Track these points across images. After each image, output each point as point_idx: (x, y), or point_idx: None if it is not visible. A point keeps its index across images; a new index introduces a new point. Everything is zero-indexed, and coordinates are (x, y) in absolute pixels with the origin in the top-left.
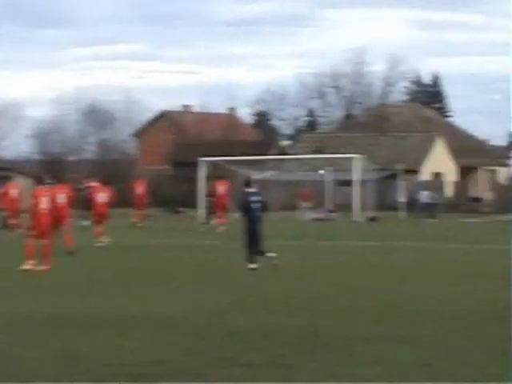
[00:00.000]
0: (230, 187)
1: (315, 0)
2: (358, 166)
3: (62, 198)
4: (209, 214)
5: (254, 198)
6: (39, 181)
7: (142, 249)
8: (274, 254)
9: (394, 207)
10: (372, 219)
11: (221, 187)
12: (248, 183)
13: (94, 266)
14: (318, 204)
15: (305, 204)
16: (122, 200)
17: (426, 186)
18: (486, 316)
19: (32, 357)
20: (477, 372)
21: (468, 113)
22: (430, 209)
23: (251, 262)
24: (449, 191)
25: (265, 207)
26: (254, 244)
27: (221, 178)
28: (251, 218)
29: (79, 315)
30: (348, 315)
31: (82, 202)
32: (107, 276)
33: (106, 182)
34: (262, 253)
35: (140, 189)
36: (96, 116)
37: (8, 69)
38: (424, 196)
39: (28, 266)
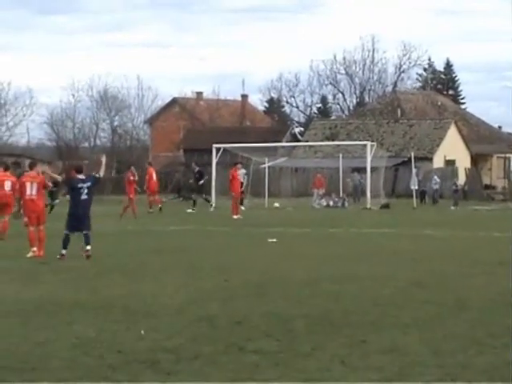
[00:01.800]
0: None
1: None
2: (370, 153)
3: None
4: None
5: (82, 184)
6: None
7: (153, 235)
8: (89, 247)
9: (406, 194)
10: (384, 206)
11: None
12: (78, 169)
13: (100, 253)
14: (330, 191)
15: (318, 191)
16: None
17: (438, 173)
18: (495, 305)
19: (45, 341)
20: (489, 360)
21: (481, 100)
22: (453, 196)
23: (65, 247)
24: (461, 179)
25: (92, 193)
26: (71, 228)
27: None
28: (76, 200)
29: (91, 302)
30: (358, 302)
31: None
32: (115, 263)
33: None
34: (87, 239)
35: (152, 175)
36: (109, 103)
37: (21, 56)
38: (437, 183)
39: (31, 252)
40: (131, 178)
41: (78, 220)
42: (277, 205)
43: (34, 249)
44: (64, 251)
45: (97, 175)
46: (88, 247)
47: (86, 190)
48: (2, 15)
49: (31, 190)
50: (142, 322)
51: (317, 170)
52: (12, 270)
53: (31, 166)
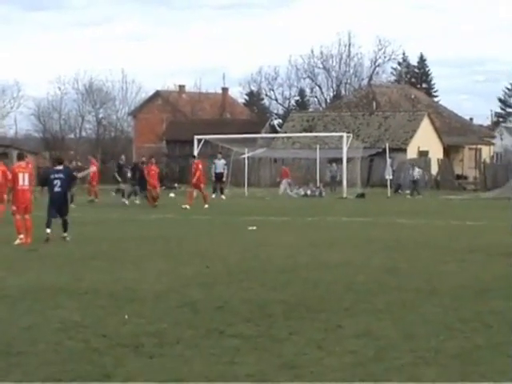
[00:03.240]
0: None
1: None
2: (346, 144)
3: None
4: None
5: (55, 175)
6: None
7: (136, 223)
8: (65, 234)
9: (381, 184)
10: (360, 195)
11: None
12: (57, 161)
13: (85, 240)
14: (308, 181)
15: (285, 180)
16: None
17: (412, 163)
18: (466, 292)
19: (31, 326)
20: (459, 344)
21: (453, 93)
22: (411, 186)
23: (47, 227)
24: (434, 169)
25: (66, 185)
26: (51, 213)
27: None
28: (50, 191)
29: (76, 288)
30: (334, 289)
31: None
32: (100, 250)
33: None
34: (64, 225)
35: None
36: (94, 95)
37: (8, 50)
38: (416, 173)
39: (18, 240)
40: (152, 171)
41: (55, 210)
42: (253, 228)
43: (21, 236)
44: (48, 230)
45: (74, 173)
46: (65, 234)
47: (58, 182)
48: None
49: (23, 181)
50: (126, 307)
51: (294, 160)
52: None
53: (20, 157)
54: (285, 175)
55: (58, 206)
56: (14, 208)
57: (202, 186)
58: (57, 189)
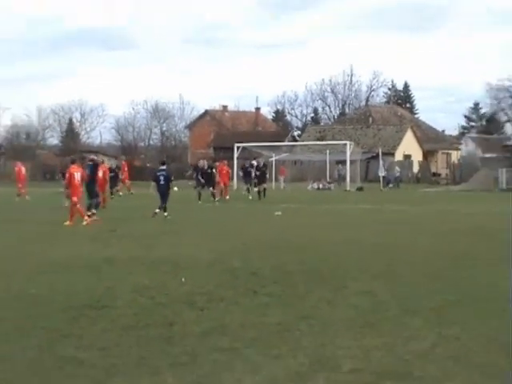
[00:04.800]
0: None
1: (313, 28)
2: (349, 150)
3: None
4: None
5: (160, 173)
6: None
7: (194, 210)
8: (166, 213)
9: (375, 180)
10: (359, 189)
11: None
12: (162, 163)
13: (152, 223)
14: (320, 178)
15: (283, 178)
16: (177, 175)
17: (398, 164)
18: (447, 261)
19: (111, 287)
20: (436, 300)
21: (430, 111)
22: (383, 180)
23: (159, 209)
24: (415, 168)
25: (168, 180)
26: (161, 201)
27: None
28: (158, 186)
29: (145, 258)
30: (341, 259)
31: None
32: (163, 230)
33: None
34: (164, 208)
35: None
36: (159, 113)
37: (96, 81)
38: (398, 171)
39: (84, 221)
40: (224, 170)
41: (161, 197)
42: (278, 213)
43: (86, 217)
44: (157, 210)
45: (171, 177)
46: (165, 213)
47: (162, 178)
48: (82, 52)
49: (77, 178)
50: (183, 273)
51: (310, 162)
52: (86, 234)
53: (73, 161)
54: (282, 173)
55: (162, 195)
56: (75, 199)
57: (219, 184)
58: (162, 182)
